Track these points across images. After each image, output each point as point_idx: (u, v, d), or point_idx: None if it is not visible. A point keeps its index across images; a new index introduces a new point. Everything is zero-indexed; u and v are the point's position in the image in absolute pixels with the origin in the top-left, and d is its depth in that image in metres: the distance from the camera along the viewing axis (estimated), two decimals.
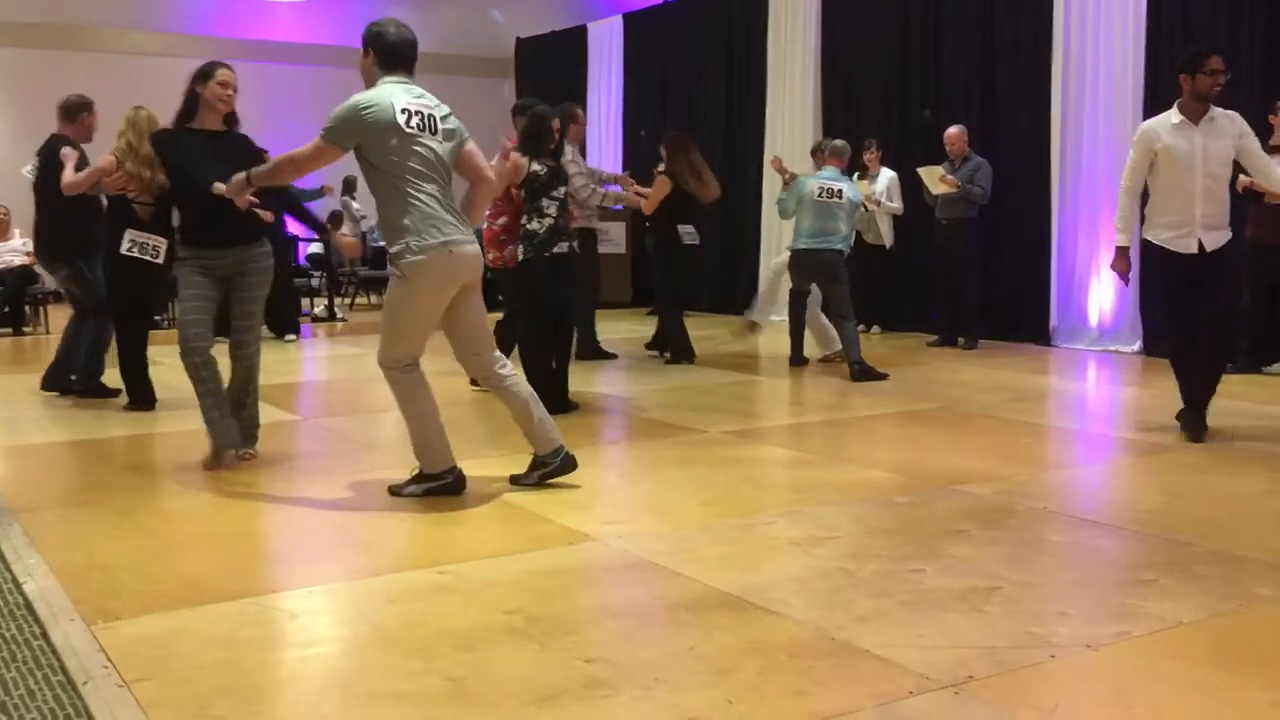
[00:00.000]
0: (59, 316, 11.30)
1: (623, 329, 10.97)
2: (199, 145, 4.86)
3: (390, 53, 4.28)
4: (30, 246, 11.00)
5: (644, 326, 10.91)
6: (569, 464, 4.62)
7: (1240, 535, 3.92)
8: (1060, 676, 2.73)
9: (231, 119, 5.03)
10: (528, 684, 2.67)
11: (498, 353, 4.55)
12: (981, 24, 9.98)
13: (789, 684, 2.67)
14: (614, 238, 13.14)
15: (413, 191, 4.18)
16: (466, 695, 2.62)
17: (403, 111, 4.16)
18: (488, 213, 6.28)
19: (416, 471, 4.49)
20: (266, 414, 6.39)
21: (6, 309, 10.95)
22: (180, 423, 6.20)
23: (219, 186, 4.60)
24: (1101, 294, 9.16)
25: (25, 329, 10.98)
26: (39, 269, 10.92)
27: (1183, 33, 8.51)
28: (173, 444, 5.65)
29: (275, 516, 4.23)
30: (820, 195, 8.00)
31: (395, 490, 4.46)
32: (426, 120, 4.24)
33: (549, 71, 14.91)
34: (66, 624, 3.05)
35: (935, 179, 9.00)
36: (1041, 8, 9.37)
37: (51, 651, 2.88)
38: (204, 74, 4.92)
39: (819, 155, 8.61)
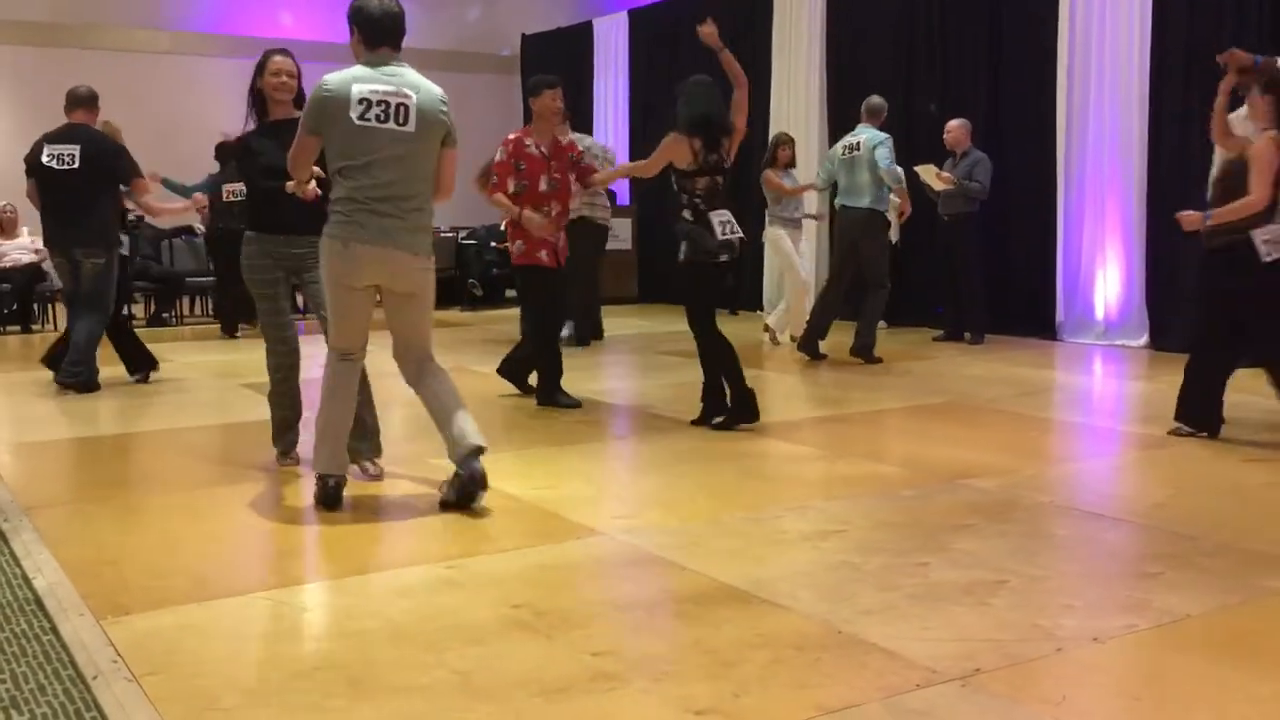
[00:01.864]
0: (66, 314, 11.35)
1: (633, 325, 10.97)
2: (267, 144, 4.66)
3: (371, 26, 4.02)
4: (39, 244, 11.08)
5: (651, 323, 10.92)
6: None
7: (1246, 528, 3.91)
8: (1067, 669, 2.74)
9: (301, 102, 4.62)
10: (535, 677, 2.68)
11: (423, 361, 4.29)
12: (987, 18, 9.96)
13: (796, 677, 2.68)
14: (619, 233, 13.15)
15: (341, 179, 4.00)
16: (475, 688, 2.63)
17: (360, 101, 3.92)
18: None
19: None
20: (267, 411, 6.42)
21: (15, 306, 10.99)
22: (190, 419, 6.22)
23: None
24: (1108, 288, 9.14)
25: (33, 326, 11.02)
26: (47, 266, 10.97)
27: (1188, 26, 8.49)
28: (182, 440, 5.67)
29: (283, 512, 4.24)
30: (844, 152, 8.04)
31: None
32: (393, 110, 3.96)
33: (555, 67, 14.79)
34: (76, 619, 3.07)
35: (932, 176, 9.00)
36: (1047, 1, 9.35)
37: (61, 646, 2.89)
38: (259, 68, 4.74)
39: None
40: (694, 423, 5.71)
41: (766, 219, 9.11)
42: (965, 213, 9.07)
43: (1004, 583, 3.33)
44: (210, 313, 12.50)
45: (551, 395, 6.35)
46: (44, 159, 6.93)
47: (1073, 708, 2.52)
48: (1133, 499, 4.49)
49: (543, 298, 6.37)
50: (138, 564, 3.61)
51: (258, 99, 4.75)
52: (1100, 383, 7.70)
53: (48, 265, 11.11)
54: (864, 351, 7.90)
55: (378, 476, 4.64)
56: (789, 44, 11.86)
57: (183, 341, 8.47)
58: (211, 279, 11.97)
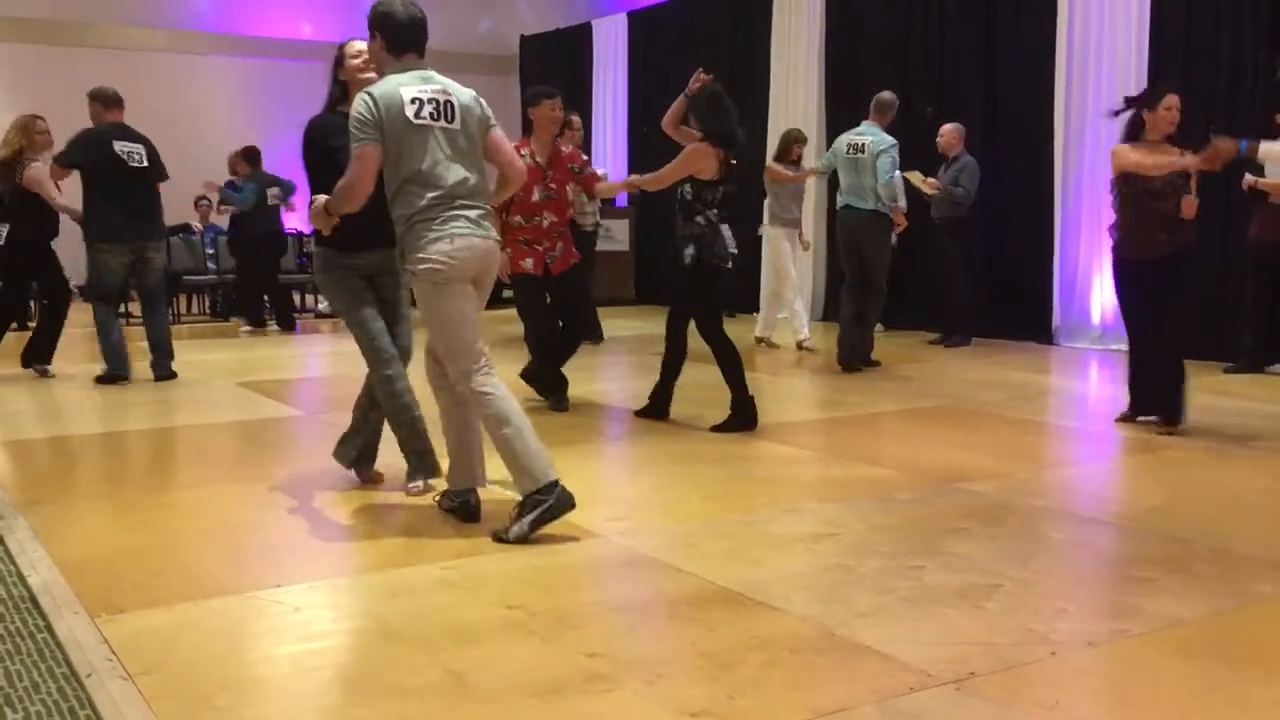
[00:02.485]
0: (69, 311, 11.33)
1: (630, 326, 10.98)
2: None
3: (399, 33, 3.92)
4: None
5: (648, 324, 10.92)
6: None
7: (1240, 533, 3.92)
8: (1060, 673, 2.74)
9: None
10: (529, 678, 2.68)
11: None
12: (985, 22, 9.98)
13: (790, 679, 2.68)
14: (616, 234, 13.16)
15: (414, 187, 3.85)
16: (468, 689, 2.63)
17: (413, 101, 3.84)
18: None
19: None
20: (267, 409, 6.43)
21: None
22: (184, 417, 6.22)
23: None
24: (1104, 293, 9.15)
25: (30, 323, 10.98)
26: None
27: (1185, 31, 8.51)
28: (178, 438, 5.66)
29: (278, 511, 4.24)
30: (849, 151, 8.00)
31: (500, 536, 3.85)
32: (442, 107, 3.90)
33: (553, 69, 14.90)
34: (70, 617, 3.07)
35: (918, 181, 9.00)
36: (1044, 5, 9.37)
37: (55, 644, 2.89)
38: (338, 59, 4.49)
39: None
40: (715, 429, 5.72)
41: (766, 217, 9.09)
42: (952, 217, 9.09)
43: (998, 586, 3.33)
44: (209, 310, 12.53)
45: (542, 386, 6.36)
46: (119, 153, 7.17)
47: (1066, 712, 2.53)
48: (1127, 503, 4.50)
49: (532, 306, 6.37)
50: (133, 562, 3.61)
51: (341, 87, 4.48)
52: (1096, 387, 7.72)
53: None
54: (861, 355, 7.91)
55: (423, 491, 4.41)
56: (788, 45, 11.88)
57: (180, 340, 8.49)
58: (210, 277, 12.03)
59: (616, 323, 10.97)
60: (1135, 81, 8.77)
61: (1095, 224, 9.15)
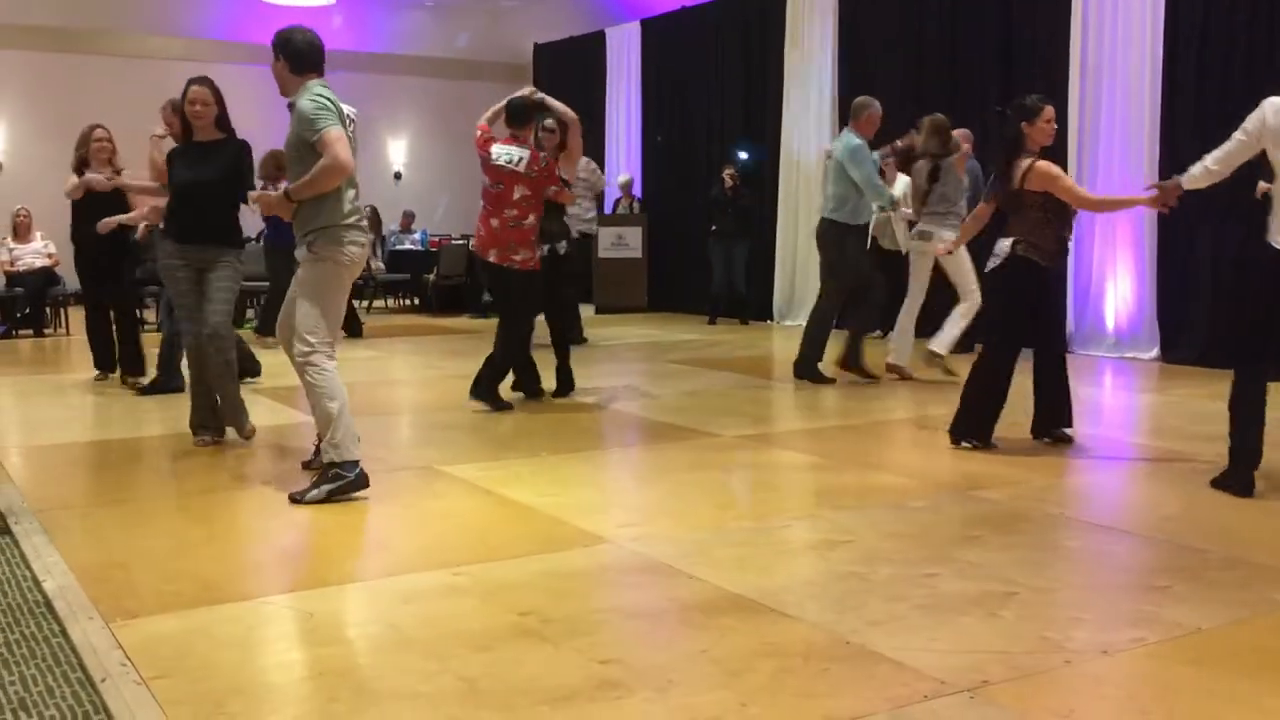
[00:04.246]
0: (79, 318, 11.38)
1: (642, 333, 10.97)
2: None
3: (299, 57, 4.49)
4: (52, 248, 11.14)
5: (660, 331, 10.93)
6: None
7: (1256, 542, 3.89)
8: (1075, 682, 2.72)
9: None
10: (541, 684, 2.68)
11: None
12: (999, 28, 9.97)
13: (803, 687, 2.67)
14: (630, 242, 13.17)
15: (344, 186, 4.44)
16: (480, 695, 2.63)
17: (346, 115, 4.52)
18: (514, 212, 6.41)
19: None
20: (282, 415, 6.45)
21: (27, 311, 11.04)
22: None
23: None
24: (1119, 300, 9.12)
25: (46, 330, 11.06)
26: (60, 270, 11.03)
27: (1201, 35, 8.48)
28: (190, 444, 5.67)
29: (291, 517, 4.25)
30: (826, 158, 7.92)
31: (296, 497, 4.40)
32: (353, 126, 4.59)
33: (567, 77, 14.94)
34: (85, 622, 3.08)
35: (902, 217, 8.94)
36: (1059, 10, 9.35)
37: (70, 649, 2.90)
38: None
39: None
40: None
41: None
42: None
43: (1013, 594, 3.32)
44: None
45: (484, 390, 6.53)
46: None
47: None
48: (1142, 511, 4.47)
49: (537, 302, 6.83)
50: (147, 567, 3.62)
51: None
52: (1110, 395, 7.68)
53: (60, 269, 11.20)
54: (803, 372, 7.59)
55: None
56: (801, 59, 11.88)
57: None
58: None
59: (629, 330, 10.97)
60: (1150, 87, 8.76)
61: (1109, 231, 9.12)
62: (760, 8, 12.42)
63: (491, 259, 6.47)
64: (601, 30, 14.94)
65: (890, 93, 10.49)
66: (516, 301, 6.58)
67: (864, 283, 7.68)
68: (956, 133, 9.14)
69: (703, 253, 12.07)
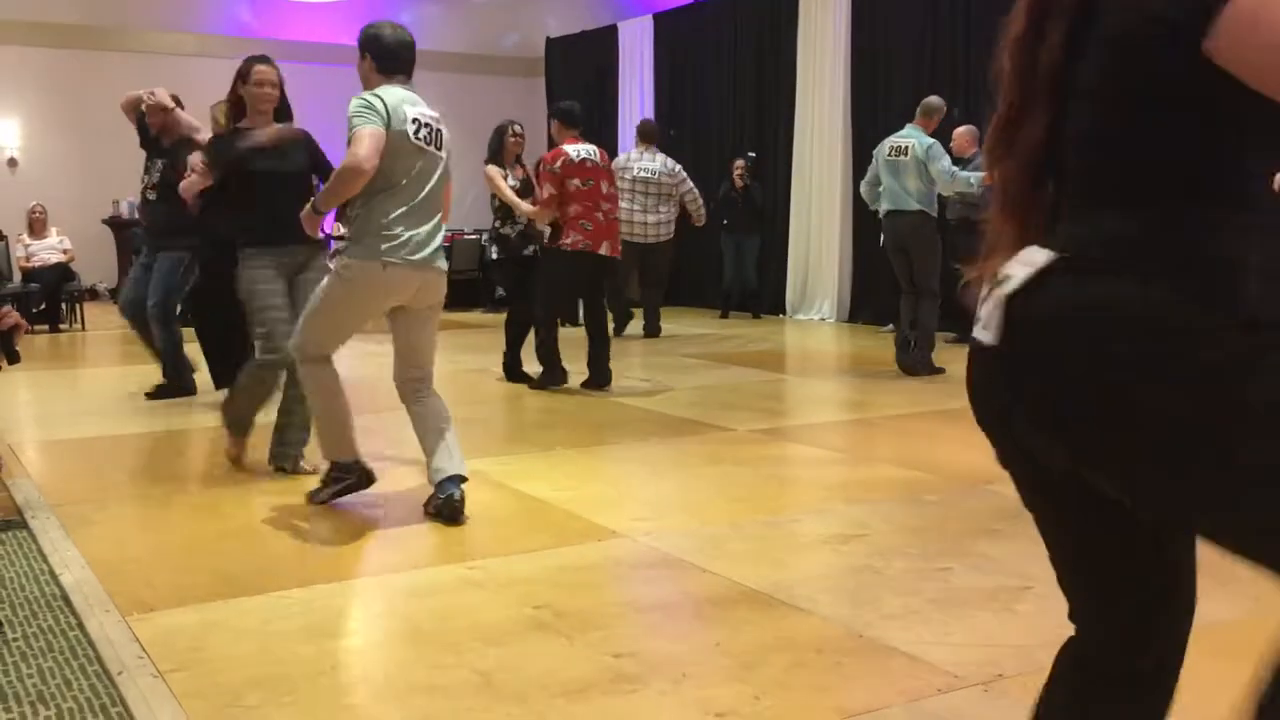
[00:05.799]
0: (94, 314, 11.46)
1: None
2: None
3: (388, 57, 3.99)
4: (67, 244, 11.21)
5: (677, 325, 10.91)
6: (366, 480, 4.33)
7: None
8: None
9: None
10: (555, 678, 2.69)
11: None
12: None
13: (816, 680, 2.67)
14: None
15: (384, 195, 3.90)
16: (495, 688, 2.64)
17: (413, 121, 3.92)
18: (609, 206, 6.89)
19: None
20: None
21: (43, 306, 11.09)
22: (216, 418, 6.25)
23: None
24: None
25: (61, 326, 11.12)
26: (75, 266, 11.10)
27: None
28: (207, 439, 5.70)
29: (307, 511, 4.27)
30: (890, 154, 7.87)
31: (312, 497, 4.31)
32: (433, 134, 4.01)
33: (579, 71, 14.92)
34: (102, 615, 3.10)
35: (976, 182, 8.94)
36: None
37: (87, 642, 2.92)
38: (243, 73, 4.72)
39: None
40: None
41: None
42: (967, 218, 9.00)
43: (1028, 589, 3.31)
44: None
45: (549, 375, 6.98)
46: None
47: None
48: None
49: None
50: (163, 561, 3.64)
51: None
52: None
53: (76, 265, 11.26)
54: (910, 366, 7.65)
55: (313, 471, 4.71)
56: (814, 46, 11.84)
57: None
58: None
59: (641, 324, 10.95)
60: None
61: None
62: (773, 2, 12.39)
63: (604, 252, 6.83)
64: (614, 24, 14.91)
65: (904, 89, 10.48)
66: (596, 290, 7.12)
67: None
68: (961, 130, 9.12)
69: (715, 247, 12.07)
